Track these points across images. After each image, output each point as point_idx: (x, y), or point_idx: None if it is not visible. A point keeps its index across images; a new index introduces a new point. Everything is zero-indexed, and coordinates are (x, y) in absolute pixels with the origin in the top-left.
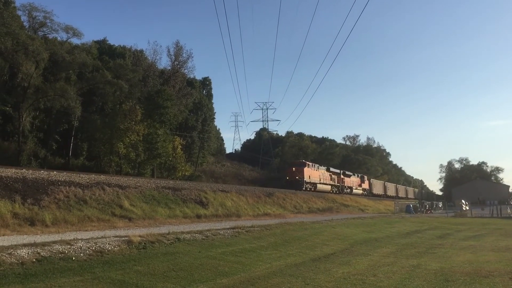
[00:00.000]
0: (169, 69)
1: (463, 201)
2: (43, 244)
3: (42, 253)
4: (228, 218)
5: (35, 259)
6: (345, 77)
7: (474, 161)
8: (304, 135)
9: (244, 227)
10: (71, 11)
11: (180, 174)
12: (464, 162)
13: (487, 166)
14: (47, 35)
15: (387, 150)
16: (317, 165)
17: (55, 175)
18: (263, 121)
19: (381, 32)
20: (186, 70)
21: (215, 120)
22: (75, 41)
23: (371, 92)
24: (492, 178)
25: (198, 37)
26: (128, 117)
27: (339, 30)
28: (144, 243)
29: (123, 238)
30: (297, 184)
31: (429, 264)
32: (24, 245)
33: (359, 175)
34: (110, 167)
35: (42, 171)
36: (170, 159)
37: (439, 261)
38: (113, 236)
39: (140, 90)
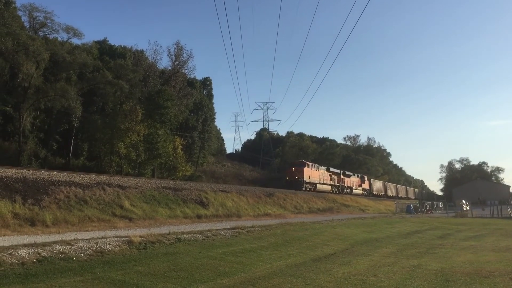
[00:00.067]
0: (169, 69)
1: (463, 201)
2: (44, 244)
3: (42, 253)
4: (228, 218)
5: (36, 259)
6: (345, 77)
7: (474, 161)
8: (305, 135)
9: (245, 227)
10: (72, 11)
11: (180, 174)
12: (465, 162)
13: (487, 166)
14: (48, 36)
15: (388, 150)
16: (317, 165)
17: (55, 175)
18: (263, 121)
19: (381, 32)
20: (186, 70)
21: (215, 120)
22: (75, 41)
23: (371, 92)
24: (493, 178)
25: (198, 37)
26: (129, 117)
27: (340, 30)
28: (145, 243)
29: (124, 238)
30: (296, 184)
31: (430, 264)
32: (25, 245)
33: (359, 175)
34: (111, 167)
35: (42, 171)
36: (171, 159)
37: (440, 261)
38: (113, 236)
39: (141, 90)
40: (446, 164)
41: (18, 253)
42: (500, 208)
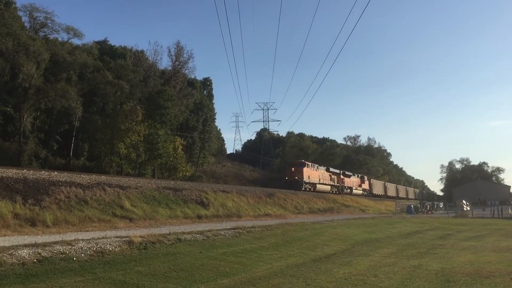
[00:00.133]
0: (170, 70)
1: (464, 201)
2: (44, 245)
3: (43, 254)
4: (229, 218)
5: (36, 259)
6: (345, 77)
7: (475, 162)
8: (305, 135)
9: (245, 228)
10: (72, 12)
11: (181, 175)
12: (465, 162)
13: (488, 166)
14: (48, 36)
15: (388, 151)
16: (317, 165)
17: (56, 175)
18: (263, 121)
19: (381, 32)
20: (187, 71)
21: (215, 120)
22: (76, 41)
23: (371, 92)
24: (493, 178)
25: (199, 37)
26: (129, 118)
27: (340, 31)
28: (145, 244)
29: (124, 239)
30: (296, 184)
31: (430, 264)
32: (25, 246)
33: (359, 175)
34: (111, 167)
35: (43, 172)
36: (171, 159)
37: (440, 262)
38: (114, 237)
39: (141, 91)
40: (446, 164)
41: (18, 253)
42: (501, 208)
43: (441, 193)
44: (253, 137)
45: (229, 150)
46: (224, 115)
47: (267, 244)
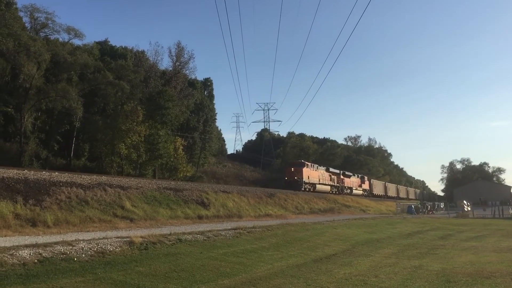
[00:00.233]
0: (170, 70)
1: (464, 201)
2: (45, 245)
3: (43, 254)
4: (229, 219)
5: (37, 260)
6: (345, 77)
7: (475, 162)
8: (306, 135)
9: (246, 228)
10: (73, 12)
11: (181, 175)
12: (466, 162)
13: (488, 166)
14: (49, 36)
15: (389, 151)
16: (316, 165)
17: (56, 176)
18: (264, 121)
19: (381, 32)
20: (187, 71)
21: (216, 120)
22: (76, 42)
23: (371, 92)
24: (494, 178)
25: (199, 37)
26: (130, 118)
27: (341, 31)
28: (146, 244)
29: (125, 239)
30: (296, 184)
31: (431, 265)
32: (26, 246)
33: (359, 175)
34: (112, 168)
35: (43, 172)
36: (172, 160)
37: (441, 262)
38: (114, 237)
39: (142, 91)
40: (447, 164)
41: (19, 254)
42: (501, 208)
43: (441, 194)
44: (253, 138)
45: (230, 150)
46: (225, 116)
47: (268, 245)
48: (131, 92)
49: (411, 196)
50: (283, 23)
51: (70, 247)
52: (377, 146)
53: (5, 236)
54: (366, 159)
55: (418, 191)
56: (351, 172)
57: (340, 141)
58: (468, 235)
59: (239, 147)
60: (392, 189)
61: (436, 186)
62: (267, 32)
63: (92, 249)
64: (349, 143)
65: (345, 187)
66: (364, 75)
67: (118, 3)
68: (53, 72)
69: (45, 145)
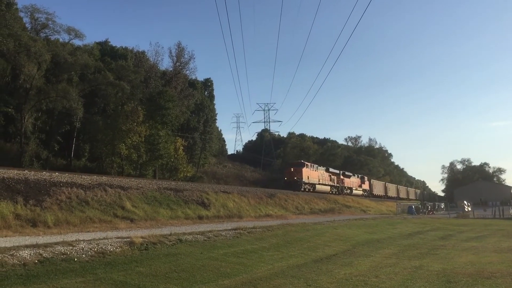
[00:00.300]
0: (171, 70)
1: (465, 202)
2: (45, 245)
3: (44, 254)
4: (229, 219)
5: (37, 260)
6: (345, 77)
7: (476, 162)
8: (306, 136)
9: (246, 228)
10: (73, 13)
11: (181, 175)
12: (466, 163)
13: (489, 167)
14: (49, 37)
15: (389, 151)
16: (316, 165)
17: (57, 176)
18: (264, 122)
19: (381, 32)
20: (187, 71)
21: (216, 121)
22: (77, 42)
23: (371, 92)
24: (494, 179)
25: (199, 38)
26: (130, 118)
27: (341, 31)
28: (146, 244)
29: (125, 239)
30: (295, 184)
31: (431, 265)
32: (26, 246)
33: (359, 175)
34: (112, 168)
35: (44, 172)
36: (172, 160)
37: (441, 262)
38: (115, 237)
39: (142, 91)
40: (447, 165)
41: (19, 254)
42: (502, 209)
43: (442, 194)
44: (254, 138)
45: (230, 150)
46: (225, 116)
47: (268, 245)
48: (131, 93)
49: (412, 196)
50: (284, 23)
51: (71, 248)
52: (377, 146)
53: (6, 236)
54: (367, 160)
55: (418, 191)
56: (351, 172)
57: (341, 141)
58: (468, 236)
59: (240, 148)
60: (392, 190)
61: (437, 186)
62: (268, 32)
63: (93, 249)
64: (350, 144)
65: (345, 187)
66: (364, 75)
67: (118, 3)
68: (54, 73)
69: (45, 145)
